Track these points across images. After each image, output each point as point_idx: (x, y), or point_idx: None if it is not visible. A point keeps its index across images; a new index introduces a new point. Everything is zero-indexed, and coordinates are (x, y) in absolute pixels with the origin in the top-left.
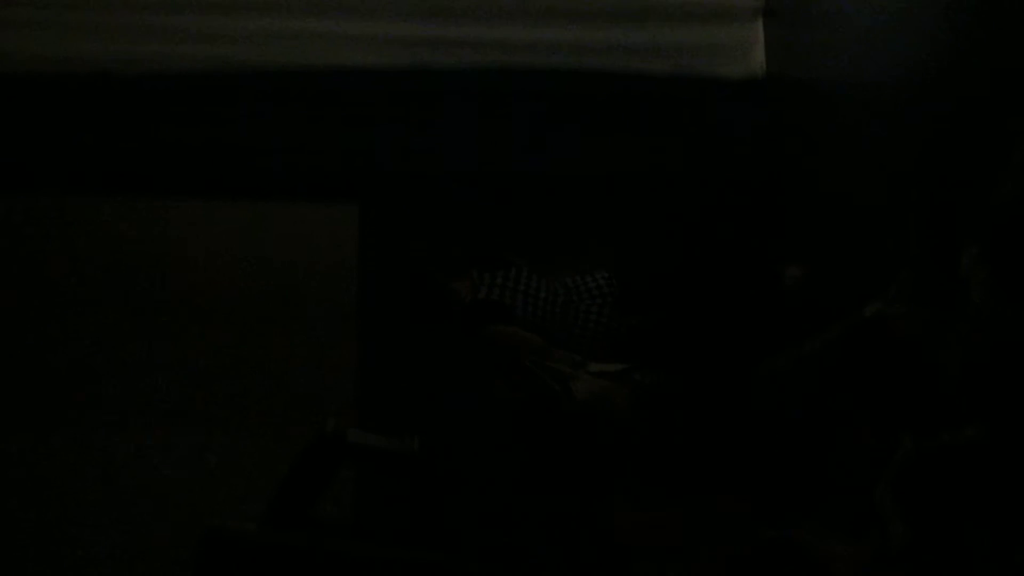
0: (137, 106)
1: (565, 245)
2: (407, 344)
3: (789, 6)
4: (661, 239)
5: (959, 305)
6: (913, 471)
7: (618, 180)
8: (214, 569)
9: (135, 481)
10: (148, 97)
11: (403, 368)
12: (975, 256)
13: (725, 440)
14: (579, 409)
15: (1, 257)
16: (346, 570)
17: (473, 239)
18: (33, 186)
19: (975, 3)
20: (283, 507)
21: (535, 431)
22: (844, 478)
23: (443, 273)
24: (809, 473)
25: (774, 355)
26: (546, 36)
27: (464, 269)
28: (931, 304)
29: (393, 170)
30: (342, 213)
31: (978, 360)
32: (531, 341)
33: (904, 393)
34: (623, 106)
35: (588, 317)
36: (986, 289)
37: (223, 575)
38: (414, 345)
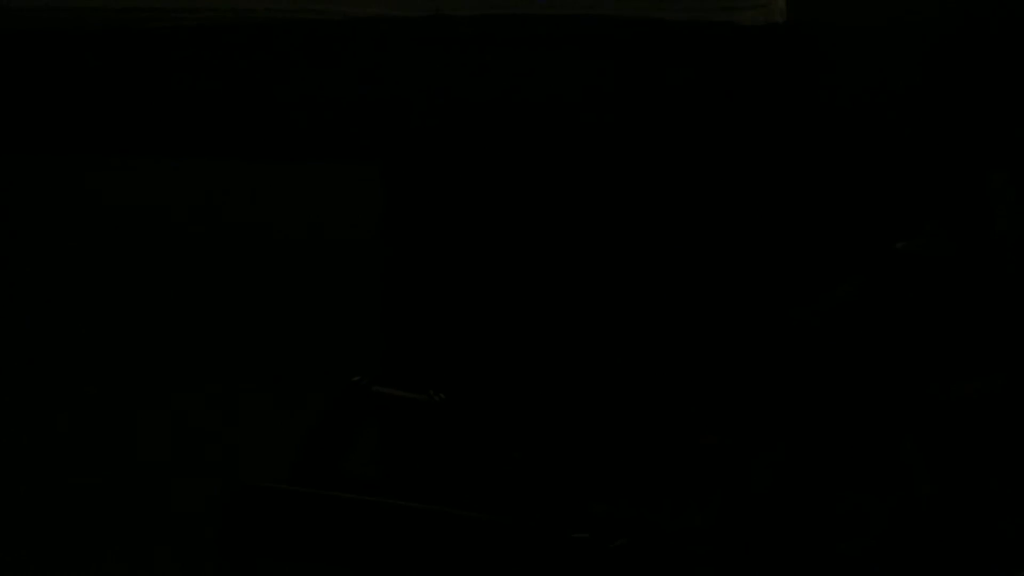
0: (152, 64)
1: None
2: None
3: None
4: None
5: (987, 246)
6: (939, 423)
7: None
8: (242, 526)
9: (165, 440)
10: (163, 54)
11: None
12: (1003, 180)
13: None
14: None
15: (27, 220)
16: (371, 522)
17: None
18: (45, 147)
19: None
20: (311, 460)
21: None
22: (870, 430)
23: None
24: (838, 425)
25: (805, 301)
26: None
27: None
28: (960, 243)
29: (416, 126)
30: (364, 174)
31: (1003, 300)
32: None
33: (930, 336)
34: (639, 53)
35: None
36: (1013, 213)
37: (252, 531)
38: (439, 308)
